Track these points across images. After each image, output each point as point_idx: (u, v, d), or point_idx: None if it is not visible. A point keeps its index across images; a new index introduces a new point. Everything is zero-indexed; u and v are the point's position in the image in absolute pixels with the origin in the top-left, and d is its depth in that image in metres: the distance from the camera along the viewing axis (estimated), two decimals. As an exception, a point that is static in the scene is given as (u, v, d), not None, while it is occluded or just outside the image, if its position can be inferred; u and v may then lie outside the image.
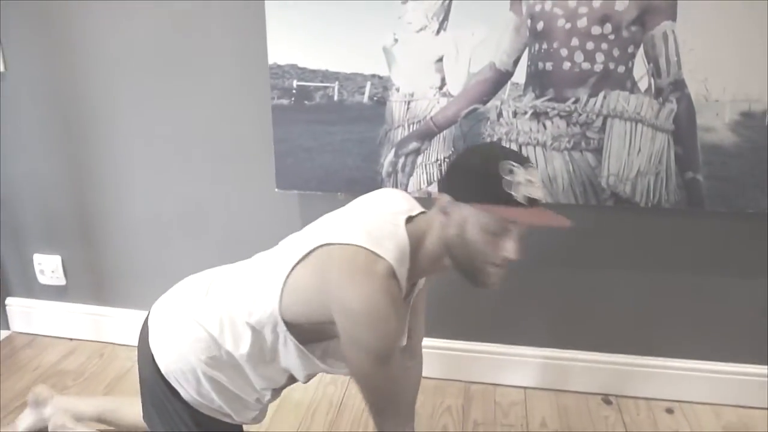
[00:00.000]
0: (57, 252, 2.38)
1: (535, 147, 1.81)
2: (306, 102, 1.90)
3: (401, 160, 1.90)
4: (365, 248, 1.23)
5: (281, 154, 1.96)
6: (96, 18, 2.02)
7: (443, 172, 1.29)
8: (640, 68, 1.71)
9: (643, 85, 1.72)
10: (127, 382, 2.17)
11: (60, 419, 1.80)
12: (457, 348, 2.16)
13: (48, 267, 2.39)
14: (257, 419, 1.52)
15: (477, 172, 1.23)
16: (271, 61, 1.88)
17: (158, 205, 2.21)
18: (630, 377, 2.09)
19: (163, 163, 2.15)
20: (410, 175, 1.91)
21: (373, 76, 1.85)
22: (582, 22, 1.68)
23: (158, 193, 2.20)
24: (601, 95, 1.74)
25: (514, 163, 1.20)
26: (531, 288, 2.03)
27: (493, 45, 1.76)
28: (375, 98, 1.86)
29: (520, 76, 1.77)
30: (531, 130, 1.80)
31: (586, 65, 1.72)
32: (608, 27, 1.68)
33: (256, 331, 1.34)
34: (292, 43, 1.85)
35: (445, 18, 1.76)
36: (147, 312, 1.49)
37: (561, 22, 1.70)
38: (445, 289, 1.80)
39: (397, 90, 1.85)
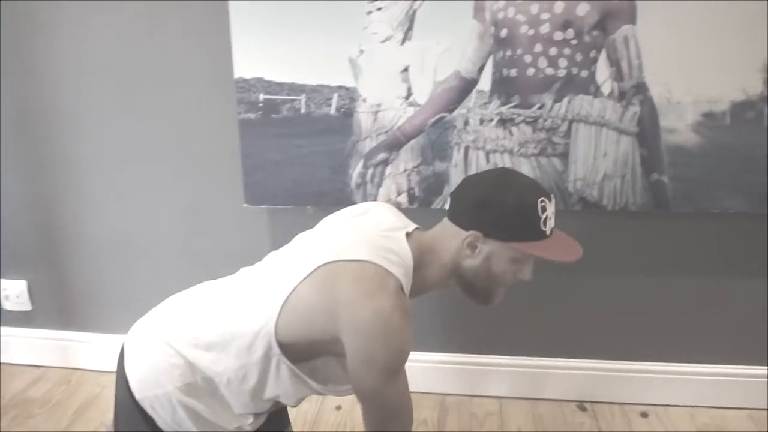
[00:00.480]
0: (22, 277, 2.32)
1: (502, 153, 1.83)
2: (273, 115, 1.89)
3: (370, 171, 1.90)
4: (375, 263, 1.23)
5: (249, 169, 1.95)
6: (57, 33, 1.99)
7: (465, 206, 1.30)
8: (602, 72, 1.73)
9: (606, 89, 1.74)
10: (95, 408, 2.11)
11: None
12: (431, 360, 2.15)
13: (13, 292, 2.33)
14: None
15: (514, 213, 1.27)
16: (237, 75, 1.87)
17: (125, 225, 2.17)
18: (604, 383, 2.09)
19: (129, 182, 2.12)
20: (379, 185, 1.91)
21: (340, 87, 1.85)
22: (545, 28, 1.71)
23: (124, 212, 2.16)
24: (565, 100, 1.76)
25: (545, 199, 1.28)
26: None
27: (458, 53, 1.77)
28: (342, 110, 1.86)
29: (485, 83, 1.78)
30: (498, 136, 1.81)
31: (549, 71, 1.74)
32: (570, 32, 1.70)
33: (243, 355, 1.28)
34: (258, 56, 1.85)
35: (410, 28, 1.77)
36: (118, 335, 1.44)
37: (524, 28, 1.72)
38: (415, 302, 1.78)
39: (364, 101, 1.85)
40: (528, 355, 2.12)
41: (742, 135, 1.73)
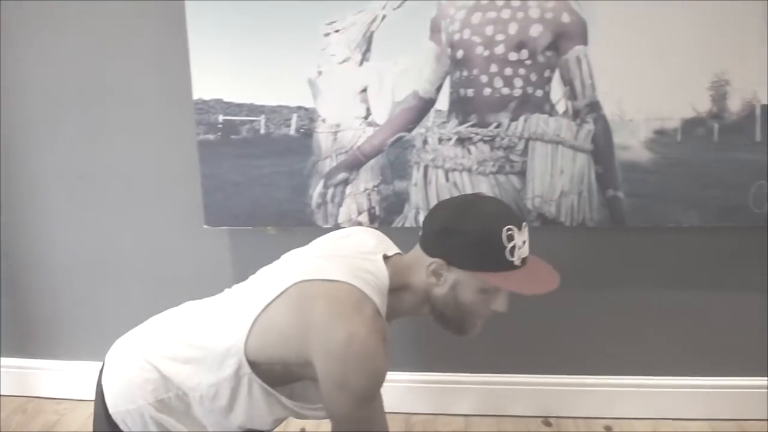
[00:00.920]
0: (-25, 303, 2.27)
1: (461, 172, 1.84)
2: (233, 136, 1.89)
3: (330, 191, 1.90)
4: (350, 284, 1.21)
5: (209, 190, 1.94)
6: (14, 54, 1.97)
7: (430, 233, 1.27)
8: (557, 92, 1.77)
9: (560, 107, 1.78)
10: (53, 437, 2.07)
11: None
12: (397, 379, 2.14)
13: (-35, 320, 2.27)
14: None
15: (477, 241, 1.22)
16: (195, 96, 1.87)
17: (81, 249, 2.14)
18: (568, 398, 2.11)
19: (87, 204, 2.09)
20: (340, 205, 1.91)
21: (299, 108, 1.85)
22: (499, 49, 1.74)
23: (82, 235, 2.13)
24: (521, 119, 1.79)
25: (512, 228, 1.21)
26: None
27: (416, 74, 1.80)
28: (302, 130, 1.87)
29: (443, 103, 1.81)
30: (456, 155, 1.83)
31: (505, 90, 1.77)
32: (524, 53, 1.74)
33: (214, 371, 1.27)
34: (217, 77, 1.85)
35: (368, 49, 1.79)
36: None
37: (479, 49, 1.75)
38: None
39: (324, 121, 1.86)
40: (493, 372, 2.13)
41: (693, 151, 1.78)
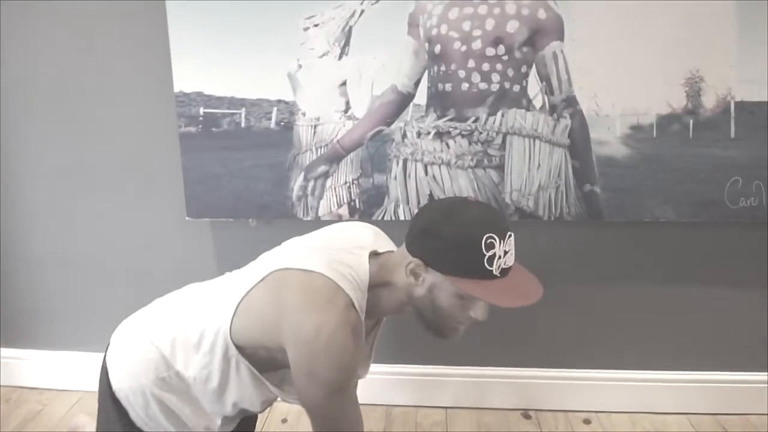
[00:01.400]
0: (-42, 294, 2.28)
1: (440, 166, 1.86)
2: (213, 129, 1.90)
3: (311, 184, 1.92)
4: (325, 275, 1.22)
5: (190, 182, 1.95)
6: (-5, 50, 1.98)
7: (413, 233, 1.27)
8: (533, 87, 1.78)
9: (537, 102, 1.79)
10: (35, 427, 2.07)
11: None
12: (376, 371, 2.13)
13: (-51, 310, 2.28)
14: None
15: (455, 246, 1.20)
16: (176, 88, 1.88)
17: (65, 240, 2.15)
18: (548, 391, 2.13)
19: (68, 197, 2.10)
20: (320, 198, 1.92)
21: (279, 101, 1.87)
22: (477, 44, 1.75)
23: (64, 227, 2.14)
24: (499, 114, 1.80)
25: (494, 236, 1.19)
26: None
27: (394, 68, 1.81)
28: (282, 123, 1.88)
29: (421, 97, 1.82)
30: (435, 149, 1.85)
31: (483, 85, 1.78)
32: (501, 48, 1.75)
33: (207, 354, 1.31)
34: (198, 70, 1.86)
35: (347, 43, 1.80)
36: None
37: (457, 44, 1.76)
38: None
39: (304, 114, 1.87)
40: (473, 365, 2.14)
41: (668, 147, 1.79)
